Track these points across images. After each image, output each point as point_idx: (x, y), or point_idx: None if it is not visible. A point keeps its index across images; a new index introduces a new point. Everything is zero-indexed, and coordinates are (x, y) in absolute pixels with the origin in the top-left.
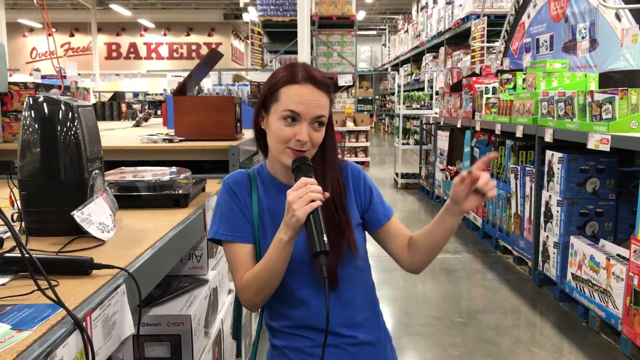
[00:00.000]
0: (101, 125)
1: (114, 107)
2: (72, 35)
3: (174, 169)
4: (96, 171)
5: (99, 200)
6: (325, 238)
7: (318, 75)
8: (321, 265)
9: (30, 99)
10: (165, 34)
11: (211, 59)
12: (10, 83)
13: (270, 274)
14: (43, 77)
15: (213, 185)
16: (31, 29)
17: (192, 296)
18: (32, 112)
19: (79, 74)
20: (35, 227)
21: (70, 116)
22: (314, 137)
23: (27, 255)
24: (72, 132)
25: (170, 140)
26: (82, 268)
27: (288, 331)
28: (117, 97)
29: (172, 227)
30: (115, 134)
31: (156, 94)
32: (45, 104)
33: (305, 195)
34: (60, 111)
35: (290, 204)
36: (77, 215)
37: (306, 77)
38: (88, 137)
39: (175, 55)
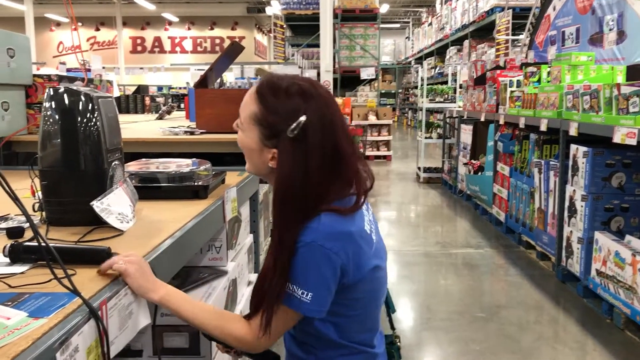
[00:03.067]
0: (124, 117)
1: (137, 101)
2: (97, 29)
3: (194, 160)
4: (116, 162)
5: (119, 191)
6: None
7: (267, 83)
8: None
9: (51, 89)
10: (189, 28)
11: (232, 52)
12: (34, 75)
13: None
14: (68, 70)
15: (233, 177)
16: (58, 24)
17: (211, 287)
18: (53, 103)
19: (103, 67)
20: (55, 217)
21: (90, 107)
22: (238, 136)
23: (44, 244)
24: (92, 123)
25: (192, 133)
26: (100, 257)
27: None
28: (141, 90)
29: (191, 218)
30: (138, 127)
31: (180, 88)
32: (65, 95)
33: None
34: (81, 102)
35: None
36: (97, 205)
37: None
38: (108, 128)
39: (199, 49)
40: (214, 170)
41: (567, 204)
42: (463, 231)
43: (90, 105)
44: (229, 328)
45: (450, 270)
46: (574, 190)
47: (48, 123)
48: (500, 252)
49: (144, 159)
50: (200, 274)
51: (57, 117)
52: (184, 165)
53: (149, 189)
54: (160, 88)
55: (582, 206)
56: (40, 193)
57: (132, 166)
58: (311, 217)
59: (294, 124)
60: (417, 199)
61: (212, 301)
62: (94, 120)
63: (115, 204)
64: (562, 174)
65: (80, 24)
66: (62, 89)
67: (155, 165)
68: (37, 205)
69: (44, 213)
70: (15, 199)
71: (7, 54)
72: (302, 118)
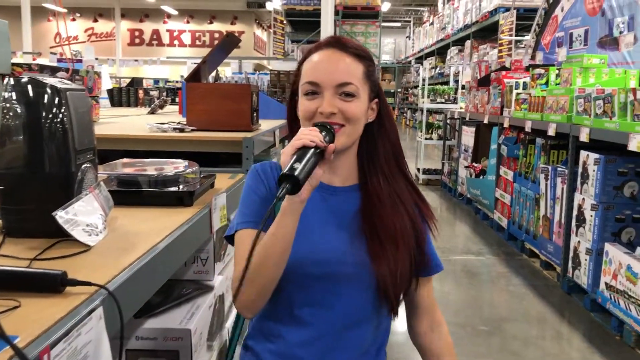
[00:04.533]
0: (115, 111)
1: (130, 93)
2: (95, 20)
3: (181, 161)
4: (87, 164)
5: (89, 198)
6: (297, 165)
7: (347, 40)
8: (282, 187)
9: (12, 79)
10: (188, 22)
11: (228, 44)
12: (13, 64)
13: (263, 257)
14: (59, 60)
15: (223, 181)
16: (55, 14)
17: (195, 305)
18: (13, 94)
19: (96, 59)
20: (14, 227)
21: (56, 101)
22: (345, 108)
23: None
24: (59, 119)
25: (181, 130)
26: (53, 284)
27: (270, 358)
28: (135, 83)
29: (170, 231)
30: (126, 121)
31: (176, 81)
32: (28, 86)
33: (292, 140)
34: (46, 95)
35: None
36: (61, 215)
37: (330, 41)
38: (78, 125)
39: (197, 43)
40: (202, 173)
41: (575, 212)
42: (463, 236)
43: (57, 98)
44: None
45: (449, 279)
46: (583, 199)
47: (7, 117)
48: (502, 260)
49: (124, 159)
50: (183, 289)
51: (18, 110)
52: (168, 167)
53: (127, 194)
54: (156, 81)
55: (591, 216)
56: None
57: (110, 167)
58: None
59: (375, 61)
60: None
61: (196, 322)
62: (60, 116)
63: (84, 214)
64: (570, 181)
65: (78, 14)
66: (24, 79)
67: (136, 167)
68: None
69: (0, 222)
70: None
71: None
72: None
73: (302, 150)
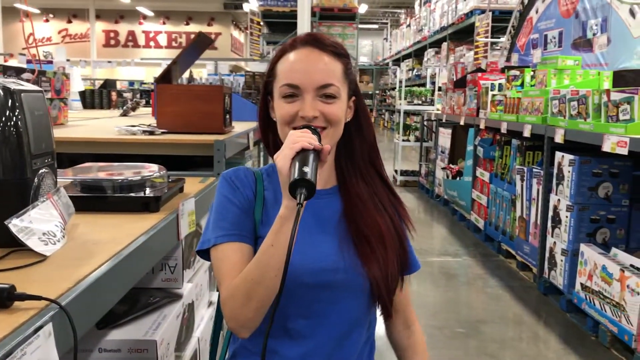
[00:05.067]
0: (86, 113)
1: (103, 95)
2: (69, 21)
3: (148, 165)
4: (44, 169)
5: (46, 205)
6: (306, 168)
7: (324, 37)
8: (298, 195)
9: None
10: (164, 23)
11: (199, 45)
12: None
13: (263, 270)
14: (29, 61)
15: (194, 185)
16: (28, 14)
17: (162, 315)
18: None
19: (68, 60)
20: None
21: (10, 103)
22: (327, 111)
23: None
24: (12, 123)
25: (151, 133)
26: None
27: None
28: (108, 85)
29: (133, 239)
30: (97, 124)
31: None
32: None
33: (287, 143)
34: None
35: (275, 160)
36: (15, 223)
37: (306, 39)
38: (33, 128)
39: (174, 44)
40: (171, 177)
41: (550, 213)
42: (440, 238)
43: (10, 101)
44: None
45: (427, 280)
46: (559, 200)
47: None
48: (478, 261)
49: (88, 164)
50: (150, 297)
51: None
52: (135, 171)
53: (90, 200)
54: (131, 83)
55: (567, 216)
56: None
57: (72, 172)
58: None
59: (352, 62)
60: None
61: (162, 332)
62: (14, 119)
63: (40, 222)
64: (545, 182)
65: (51, 15)
66: None
67: (102, 171)
68: None
69: None
70: None
71: None
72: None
73: (302, 154)
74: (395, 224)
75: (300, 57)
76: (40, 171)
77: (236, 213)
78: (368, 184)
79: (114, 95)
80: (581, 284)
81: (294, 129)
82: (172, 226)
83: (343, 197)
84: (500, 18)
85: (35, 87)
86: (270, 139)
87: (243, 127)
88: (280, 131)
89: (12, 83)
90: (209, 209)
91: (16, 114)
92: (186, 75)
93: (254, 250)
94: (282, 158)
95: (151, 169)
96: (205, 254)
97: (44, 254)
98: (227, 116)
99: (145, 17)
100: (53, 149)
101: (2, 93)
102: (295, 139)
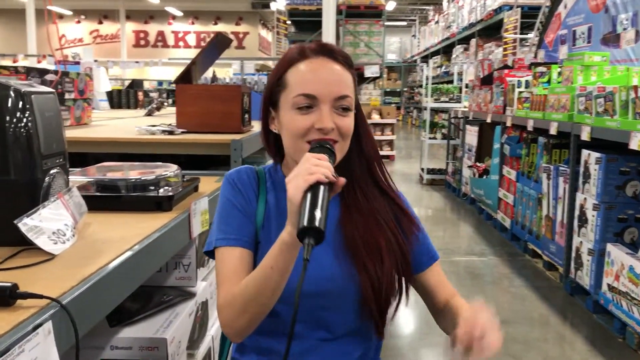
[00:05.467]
0: (112, 113)
1: (130, 95)
2: (100, 22)
3: (164, 165)
4: (55, 170)
5: (56, 204)
6: (318, 213)
7: (334, 47)
8: (306, 245)
9: None
10: (193, 23)
11: (218, 45)
12: (0, 67)
13: (260, 288)
14: (57, 62)
15: (209, 184)
16: (61, 16)
17: (175, 313)
18: None
19: (95, 61)
20: None
21: (20, 104)
22: (342, 124)
23: None
24: (23, 124)
25: (171, 132)
26: (1, 298)
27: None
28: (135, 84)
29: (141, 238)
30: (119, 124)
31: None
32: None
33: (302, 171)
34: (9, 98)
35: (287, 184)
36: (25, 222)
37: (317, 49)
38: (44, 129)
39: (202, 44)
40: (186, 176)
41: (577, 212)
42: (467, 237)
43: (21, 102)
44: None
45: (452, 280)
46: (585, 199)
47: None
48: (504, 261)
49: (105, 163)
50: (164, 296)
51: None
52: (149, 170)
53: (104, 199)
54: (160, 83)
55: (593, 216)
56: None
57: (89, 171)
58: None
59: (379, 60)
60: (419, 201)
61: (173, 330)
62: (24, 120)
63: (50, 221)
64: (572, 181)
65: (83, 17)
66: None
67: (117, 171)
68: None
69: None
70: None
71: None
72: None
73: (316, 188)
74: (397, 237)
75: (315, 66)
76: (51, 171)
77: (238, 217)
78: (366, 197)
79: (140, 95)
80: (608, 285)
81: (308, 142)
82: (184, 225)
83: (342, 208)
84: (529, 14)
85: (47, 89)
86: (272, 147)
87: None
88: (289, 143)
89: (24, 85)
90: (216, 210)
91: (26, 115)
92: (210, 75)
93: (254, 256)
94: (295, 188)
95: (166, 169)
96: (212, 255)
97: (53, 253)
98: (246, 115)
99: (174, 17)
100: (64, 150)
101: (12, 95)
102: (311, 169)
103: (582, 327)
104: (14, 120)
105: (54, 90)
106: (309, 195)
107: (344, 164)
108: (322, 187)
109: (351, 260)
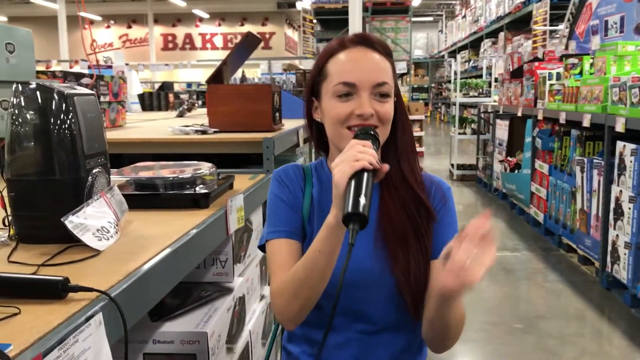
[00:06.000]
0: (145, 115)
1: (161, 98)
2: (129, 27)
3: (199, 163)
4: (97, 169)
5: (99, 203)
6: (362, 200)
7: (372, 36)
8: (350, 230)
9: (20, 85)
10: (219, 25)
11: (248, 45)
12: (38, 72)
13: (309, 272)
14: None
15: (243, 182)
16: (91, 22)
17: (213, 308)
18: (22, 100)
19: (127, 64)
20: (26, 233)
21: (64, 107)
22: (381, 110)
23: None
24: (67, 125)
25: (204, 132)
26: (54, 291)
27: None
28: (165, 87)
29: (181, 235)
30: (152, 125)
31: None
32: (37, 92)
33: (348, 157)
34: (53, 101)
35: (332, 169)
36: (71, 220)
37: (355, 39)
38: (86, 130)
39: (229, 45)
40: (221, 174)
41: (612, 205)
42: (499, 232)
43: (64, 104)
44: None
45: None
46: (621, 191)
47: (16, 124)
48: (538, 256)
49: (143, 163)
50: (202, 291)
51: (27, 117)
52: (186, 169)
53: (143, 198)
54: (189, 85)
55: (629, 208)
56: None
57: (127, 171)
58: None
59: (406, 56)
60: None
61: (213, 325)
62: (68, 121)
63: (94, 218)
64: (607, 173)
65: (112, 22)
66: (33, 85)
67: (152, 170)
68: (7, 220)
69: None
70: None
71: (6, 49)
72: None
73: (360, 174)
74: (422, 229)
75: (354, 56)
76: (94, 170)
77: (285, 210)
78: (396, 186)
79: (171, 97)
80: None
81: (348, 127)
82: (221, 222)
83: (381, 197)
84: (559, 5)
85: (88, 91)
86: (315, 136)
87: (293, 124)
88: (331, 130)
89: (66, 87)
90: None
91: (70, 116)
92: (239, 75)
93: (302, 246)
94: (341, 174)
95: (202, 167)
96: (264, 249)
97: (98, 249)
98: (277, 114)
99: (201, 19)
100: (105, 149)
101: (56, 97)
102: (356, 155)
103: (619, 321)
104: (58, 121)
105: (94, 92)
106: (353, 182)
107: (383, 152)
108: (366, 174)
109: (386, 251)
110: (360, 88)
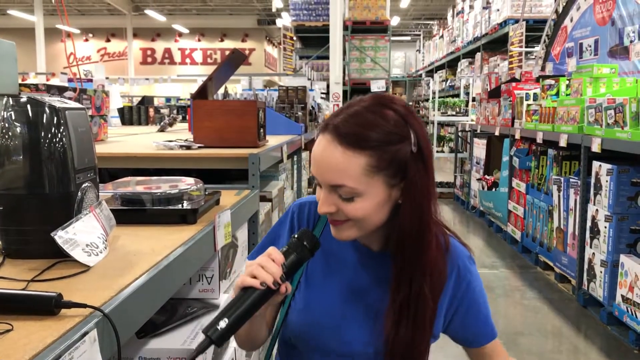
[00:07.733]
0: (125, 130)
1: (141, 112)
2: (108, 40)
3: (185, 179)
4: (87, 183)
5: (89, 217)
6: (222, 324)
7: (345, 122)
8: (195, 351)
9: (10, 99)
10: (199, 40)
11: (233, 61)
12: (21, 85)
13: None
14: (70, 80)
15: (229, 197)
16: (69, 35)
17: (200, 325)
18: (12, 113)
19: (107, 78)
20: (14, 249)
21: (55, 120)
22: (345, 209)
23: None
24: (58, 139)
25: (188, 147)
26: (47, 307)
27: None
28: (146, 101)
29: (171, 250)
30: (134, 140)
31: (187, 99)
32: (27, 106)
33: (248, 269)
34: (44, 114)
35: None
36: (60, 235)
37: (327, 126)
38: (77, 144)
39: (209, 60)
40: (207, 190)
41: (589, 224)
42: (477, 250)
43: (56, 118)
44: None
45: None
46: (597, 210)
47: (5, 137)
48: (516, 273)
49: (127, 178)
50: (188, 307)
51: (17, 130)
52: (172, 184)
53: (130, 213)
54: (168, 99)
55: (605, 227)
56: None
57: (113, 186)
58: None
59: (413, 138)
60: None
61: (199, 342)
62: (59, 135)
63: (84, 233)
64: (583, 192)
65: (90, 35)
66: (23, 98)
67: (139, 185)
68: None
69: (1, 243)
70: None
71: None
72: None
73: (248, 291)
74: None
75: (317, 148)
76: (83, 185)
77: (274, 241)
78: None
79: (151, 111)
80: (622, 296)
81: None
82: (209, 238)
83: (393, 266)
84: (534, 27)
85: (78, 105)
86: None
87: (277, 140)
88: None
89: (57, 101)
90: None
91: (61, 130)
92: (221, 91)
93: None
94: (238, 281)
95: (188, 183)
96: None
97: (88, 265)
98: (261, 130)
99: (180, 34)
100: (95, 164)
101: (47, 111)
102: (254, 271)
103: (596, 338)
104: (49, 135)
105: (84, 107)
106: (236, 296)
107: (394, 225)
108: (257, 292)
109: (373, 326)
110: (322, 184)
